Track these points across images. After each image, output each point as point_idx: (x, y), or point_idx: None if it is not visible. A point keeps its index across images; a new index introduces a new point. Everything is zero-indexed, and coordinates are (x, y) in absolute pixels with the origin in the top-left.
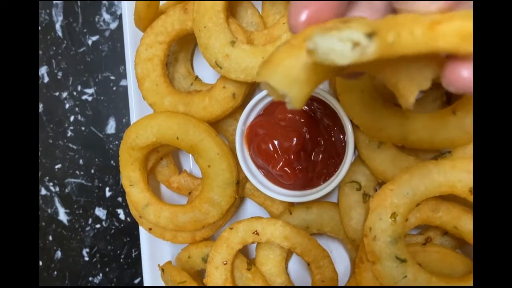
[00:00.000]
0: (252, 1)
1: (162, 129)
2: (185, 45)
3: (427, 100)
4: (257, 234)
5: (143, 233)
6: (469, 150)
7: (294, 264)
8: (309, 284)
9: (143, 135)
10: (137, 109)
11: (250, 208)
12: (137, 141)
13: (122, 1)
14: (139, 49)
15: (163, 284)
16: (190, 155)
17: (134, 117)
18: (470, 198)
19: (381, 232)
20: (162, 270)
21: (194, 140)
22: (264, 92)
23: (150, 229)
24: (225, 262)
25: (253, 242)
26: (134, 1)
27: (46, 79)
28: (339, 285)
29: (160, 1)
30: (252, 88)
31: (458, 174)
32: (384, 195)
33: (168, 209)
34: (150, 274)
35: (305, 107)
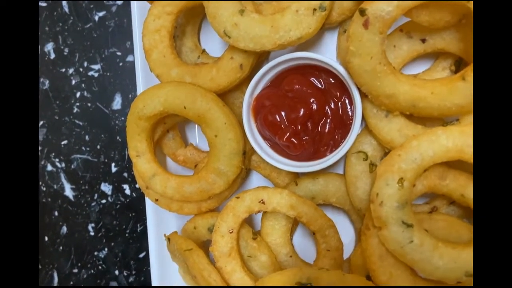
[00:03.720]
0: None
1: (169, 99)
2: (192, 18)
3: (436, 69)
4: (263, 203)
5: (149, 204)
6: None
7: (299, 237)
8: (314, 256)
9: (151, 104)
10: (144, 83)
11: (256, 180)
12: (145, 110)
13: None
14: (147, 19)
15: (168, 256)
16: (196, 128)
17: (141, 90)
18: None
19: (388, 198)
20: (169, 239)
21: (201, 110)
22: (271, 64)
23: (156, 200)
24: (231, 231)
25: (259, 211)
26: None
27: (53, 56)
28: (344, 255)
29: None
30: (259, 59)
31: (466, 139)
32: (392, 160)
33: (174, 179)
34: (155, 245)
35: (313, 78)
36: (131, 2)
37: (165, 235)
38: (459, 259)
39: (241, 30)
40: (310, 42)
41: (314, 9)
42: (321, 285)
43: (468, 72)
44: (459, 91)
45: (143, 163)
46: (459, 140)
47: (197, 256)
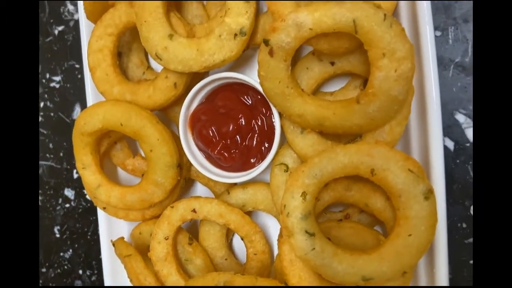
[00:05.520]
0: None
1: (107, 116)
2: (137, 35)
3: (349, 88)
4: (195, 212)
5: (100, 211)
6: (377, 134)
7: (238, 239)
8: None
9: (91, 122)
10: (93, 96)
11: (199, 188)
12: (86, 127)
13: None
14: (90, 40)
15: (118, 259)
16: None
17: (90, 103)
18: (372, 178)
19: (293, 209)
20: (113, 245)
21: (136, 127)
22: (205, 81)
23: (104, 208)
24: (166, 238)
25: (191, 219)
26: None
27: None
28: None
29: None
30: (194, 77)
31: (361, 156)
32: (297, 175)
33: (118, 189)
34: (107, 249)
35: (242, 95)
36: (80, 22)
37: (111, 241)
38: (356, 265)
39: (170, 53)
40: (241, 60)
41: (235, 34)
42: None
43: (362, 96)
44: (356, 112)
45: (89, 175)
46: (355, 157)
47: (134, 261)
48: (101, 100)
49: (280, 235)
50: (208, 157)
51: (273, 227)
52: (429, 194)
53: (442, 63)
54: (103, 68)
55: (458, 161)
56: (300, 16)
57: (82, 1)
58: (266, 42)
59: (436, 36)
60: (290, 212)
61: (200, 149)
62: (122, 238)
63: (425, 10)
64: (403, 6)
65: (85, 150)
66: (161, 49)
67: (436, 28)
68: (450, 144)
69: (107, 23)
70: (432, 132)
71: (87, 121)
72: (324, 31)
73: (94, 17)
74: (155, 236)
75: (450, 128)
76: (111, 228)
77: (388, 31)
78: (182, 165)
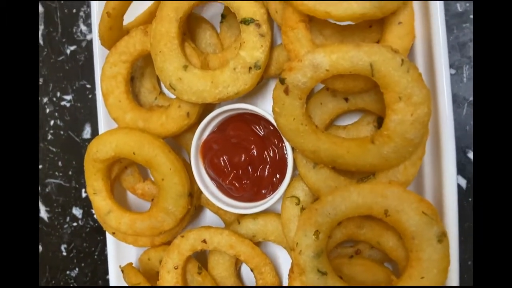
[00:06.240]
0: (211, 24)
1: (120, 145)
2: (150, 61)
3: (362, 123)
4: (205, 242)
5: (109, 235)
6: (391, 174)
7: (247, 266)
8: None
9: (103, 149)
10: (105, 120)
11: (209, 214)
12: (98, 154)
13: (93, 20)
14: (104, 67)
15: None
16: None
17: (102, 127)
18: (386, 219)
19: (305, 247)
20: (122, 271)
21: (149, 156)
22: (217, 111)
23: (113, 233)
24: (176, 267)
25: (202, 250)
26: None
27: None
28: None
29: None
30: (206, 106)
31: (375, 197)
32: (310, 213)
33: (128, 216)
34: (115, 273)
35: (254, 125)
36: (93, 46)
37: (120, 266)
38: None
39: (184, 84)
40: (254, 90)
41: (250, 68)
42: None
43: (377, 136)
44: (370, 152)
45: (99, 200)
46: (368, 197)
47: None
48: (114, 128)
49: (291, 271)
50: (219, 186)
51: (282, 258)
52: (442, 237)
53: (456, 101)
54: (116, 95)
55: (470, 199)
56: (317, 57)
57: (96, 27)
58: (282, 80)
59: (450, 74)
60: (302, 250)
61: (211, 178)
62: (131, 264)
63: (441, 50)
64: (419, 44)
65: (97, 176)
66: (175, 80)
67: (450, 66)
68: (463, 182)
69: (121, 50)
70: (446, 173)
71: (99, 148)
72: (340, 73)
73: (109, 44)
74: (165, 265)
75: (463, 166)
76: (119, 250)
77: (405, 76)
78: (193, 194)
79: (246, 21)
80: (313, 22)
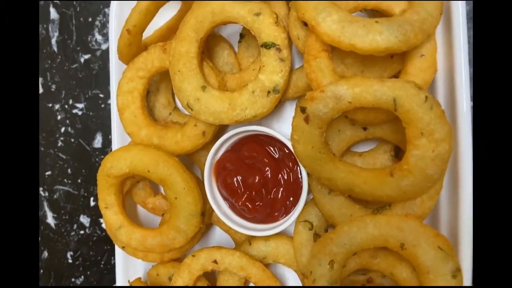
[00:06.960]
0: (229, 42)
1: (134, 162)
2: (166, 76)
3: (378, 151)
4: (216, 263)
5: (118, 248)
6: (407, 206)
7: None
8: None
9: (117, 166)
10: (118, 133)
11: (219, 232)
12: (112, 170)
13: (110, 33)
14: (121, 81)
15: None
16: None
17: (115, 140)
18: (401, 252)
19: (319, 276)
20: (131, 286)
21: (163, 174)
22: (233, 132)
23: (123, 247)
24: (186, 287)
25: (212, 270)
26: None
27: (41, 90)
28: None
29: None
30: (222, 126)
31: (391, 229)
32: (325, 242)
33: (139, 232)
34: (122, 285)
35: (269, 147)
36: (110, 62)
37: (129, 281)
38: None
39: (202, 104)
40: (270, 112)
41: (269, 91)
42: None
43: (396, 170)
44: (388, 184)
45: (111, 215)
46: (384, 229)
47: None
48: (128, 142)
49: None
50: (232, 206)
51: (292, 280)
52: (457, 272)
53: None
54: (132, 110)
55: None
56: (340, 90)
57: (113, 41)
58: (303, 109)
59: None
60: (316, 279)
61: (224, 198)
62: (140, 279)
63: (463, 85)
64: (440, 78)
65: (109, 191)
66: (193, 100)
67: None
68: None
69: (139, 66)
70: (463, 207)
71: (113, 164)
72: (362, 106)
73: (127, 59)
74: (175, 283)
75: None
76: (127, 263)
77: (428, 113)
78: (205, 212)
79: (267, 45)
80: (336, 51)
